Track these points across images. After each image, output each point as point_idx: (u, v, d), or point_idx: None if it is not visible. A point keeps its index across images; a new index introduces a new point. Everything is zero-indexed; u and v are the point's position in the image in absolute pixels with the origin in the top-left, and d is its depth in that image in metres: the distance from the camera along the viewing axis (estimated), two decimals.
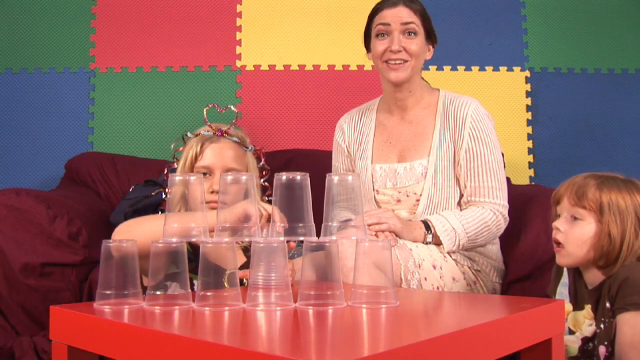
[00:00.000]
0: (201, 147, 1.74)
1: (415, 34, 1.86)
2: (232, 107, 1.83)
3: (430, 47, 1.94)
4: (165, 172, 1.86)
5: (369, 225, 1.71)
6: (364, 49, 1.99)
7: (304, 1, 2.81)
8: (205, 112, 1.79)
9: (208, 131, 1.77)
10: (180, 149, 1.80)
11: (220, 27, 2.80)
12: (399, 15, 1.85)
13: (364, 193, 1.93)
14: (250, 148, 1.83)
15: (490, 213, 1.82)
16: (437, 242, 1.80)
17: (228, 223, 1.32)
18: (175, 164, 1.82)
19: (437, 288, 1.74)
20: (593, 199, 1.45)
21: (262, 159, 1.86)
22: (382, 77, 1.94)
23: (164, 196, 1.80)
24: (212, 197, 1.65)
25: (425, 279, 1.72)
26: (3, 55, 2.76)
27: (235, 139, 1.79)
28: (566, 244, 1.48)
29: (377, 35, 1.89)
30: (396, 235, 1.75)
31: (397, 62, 1.85)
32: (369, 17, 1.94)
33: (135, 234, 1.30)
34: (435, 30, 1.94)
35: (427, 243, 1.79)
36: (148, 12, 2.80)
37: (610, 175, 1.49)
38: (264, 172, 1.85)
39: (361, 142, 2.00)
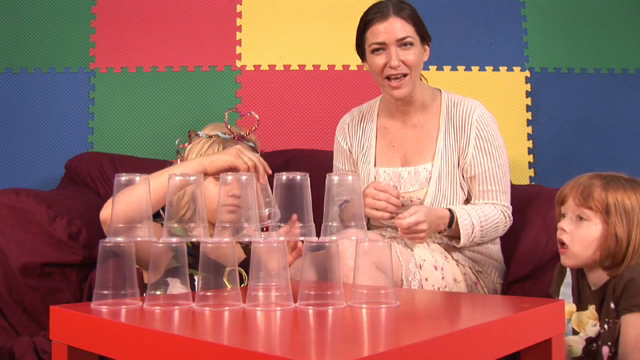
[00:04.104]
0: (223, 150, 1.72)
1: (412, 44, 1.82)
2: (253, 113, 1.82)
3: (426, 47, 1.90)
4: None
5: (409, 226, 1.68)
6: (359, 57, 1.95)
7: (304, 1, 2.81)
8: (226, 115, 1.78)
9: (225, 133, 1.76)
10: (185, 144, 1.79)
11: (220, 27, 2.79)
12: (392, 30, 1.80)
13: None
14: (259, 153, 1.84)
15: (501, 214, 1.84)
16: (451, 236, 1.79)
17: (209, 170, 1.48)
18: (178, 160, 1.81)
19: (438, 289, 1.74)
20: (599, 199, 1.44)
21: None
22: (383, 89, 1.92)
23: None
24: (231, 201, 1.63)
25: (427, 279, 1.72)
26: (3, 55, 2.76)
27: (251, 143, 1.80)
28: (572, 244, 1.47)
29: (372, 51, 1.84)
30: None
31: (398, 77, 1.81)
32: (359, 28, 1.87)
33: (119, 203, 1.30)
34: (429, 29, 1.88)
35: (442, 235, 1.79)
36: (148, 12, 2.80)
37: (615, 175, 1.49)
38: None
39: (363, 144, 1.99)
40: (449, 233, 1.79)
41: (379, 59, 1.83)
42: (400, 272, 1.68)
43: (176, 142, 1.83)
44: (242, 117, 1.86)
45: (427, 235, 1.71)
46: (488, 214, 1.81)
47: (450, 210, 1.79)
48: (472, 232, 1.78)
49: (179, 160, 1.80)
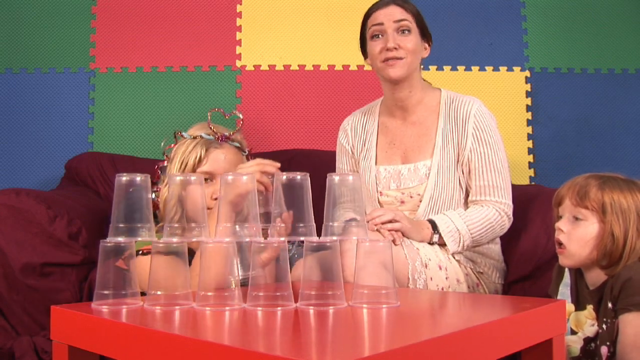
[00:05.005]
0: (205, 151, 1.72)
1: (409, 31, 1.86)
2: (237, 113, 1.83)
3: (427, 45, 1.93)
4: (157, 169, 1.84)
5: (383, 223, 1.71)
6: (362, 54, 1.99)
7: (304, 1, 2.81)
8: (209, 116, 1.78)
9: (209, 134, 1.75)
10: (172, 146, 1.78)
11: (220, 27, 2.79)
12: (390, 13, 1.86)
13: (368, 195, 1.93)
14: (246, 152, 1.83)
15: (495, 212, 1.82)
16: (442, 243, 1.80)
17: (239, 206, 1.35)
18: (165, 161, 1.80)
19: (442, 289, 1.73)
20: (595, 199, 1.45)
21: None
22: (381, 78, 1.94)
23: (153, 196, 1.77)
24: (214, 204, 1.63)
25: (431, 278, 1.71)
26: (3, 55, 2.76)
27: (237, 144, 1.79)
28: (569, 244, 1.48)
29: (372, 37, 1.89)
30: (404, 236, 1.75)
31: (393, 60, 1.84)
32: (362, 21, 1.94)
33: None
34: (430, 29, 1.93)
35: (432, 243, 1.79)
36: (148, 12, 2.80)
37: (612, 176, 1.50)
38: None
39: (365, 144, 2.00)
40: (439, 240, 1.79)
41: (377, 44, 1.88)
42: (407, 270, 1.67)
43: (162, 144, 1.82)
44: (226, 118, 1.84)
45: (404, 228, 1.72)
46: (475, 217, 1.81)
47: (430, 220, 1.80)
48: (460, 238, 1.79)
49: (165, 161, 1.79)
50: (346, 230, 1.26)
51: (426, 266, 1.71)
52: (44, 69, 2.77)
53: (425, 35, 1.92)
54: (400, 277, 1.65)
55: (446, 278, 1.75)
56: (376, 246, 1.24)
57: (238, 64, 2.77)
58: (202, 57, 2.77)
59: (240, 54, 2.78)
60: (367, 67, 2.70)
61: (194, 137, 1.74)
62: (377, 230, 1.70)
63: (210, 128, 1.75)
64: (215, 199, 1.65)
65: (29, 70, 2.77)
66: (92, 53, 2.78)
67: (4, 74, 2.76)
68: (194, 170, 1.71)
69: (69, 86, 2.75)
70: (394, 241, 1.68)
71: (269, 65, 2.77)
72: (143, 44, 2.78)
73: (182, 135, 1.76)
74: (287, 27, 2.79)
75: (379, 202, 1.92)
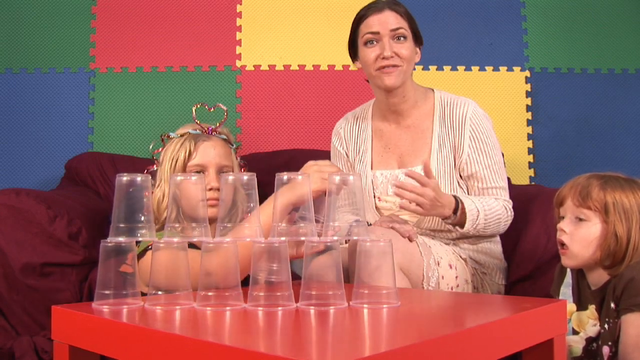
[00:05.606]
0: (194, 145, 1.72)
1: (405, 38, 1.83)
2: (221, 105, 1.82)
3: (418, 49, 1.91)
4: (146, 174, 1.83)
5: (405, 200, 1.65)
6: (350, 58, 1.96)
7: (304, 1, 2.81)
8: (194, 111, 1.78)
9: (196, 129, 1.76)
10: (160, 149, 1.78)
11: (220, 27, 2.79)
12: (386, 21, 1.82)
13: (364, 200, 1.92)
14: (234, 145, 1.83)
15: (503, 208, 1.83)
16: (455, 223, 1.76)
17: (298, 204, 1.35)
18: (155, 165, 1.80)
19: (451, 288, 1.73)
20: (597, 199, 1.45)
21: (237, 157, 1.87)
22: (373, 84, 1.91)
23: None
24: (210, 195, 1.65)
25: (443, 277, 1.71)
26: (3, 55, 2.76)
27: (224, 136, 1.79)
28: (571, 245, 1.48)
29: (365, 44, 1.85)
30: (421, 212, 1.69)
31: (390, 67, 1.81)
32: (353, 24, 1.89)
33: None
34: (429, 29, 1.91)
35: (446, 221, 1.75)
36: (148, 12, 2.80)
37: (613, 175, 1.49)
38: (242, 169, 1.86)
39: (359, 148, 1.98)
40: (453, 220, 1.75)
41: (372, 51, 1.84)
42: (422, 268, 1.66)
43: (150, 147, 1.81)
44: (209, 111, 1.83)
45: (430, 203, 1.65)
46: (492, 206, 1.80)
47: (455, 197, 1.76)
48: (477, 219, 1.75)
49: (155, 165, 1.79)
50: (352, 231, 1.26)
51: (438, 264, 1.70)
52: (44, 69, 2.77)
53: (417, 39, 1.89)
54: (415, 275, 1.64)
55: (456, 277, 1.74)
56: (377, 246, 1.24)
57: (238, 64, 2.77)
58: (202, 57, 2.77)
59: (240, 54, 2.78)
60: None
61: (182, 135, 1.74)
62: (392, 227, 1.68)
63: (197, 123, 1.76)
64: (210, 189, 1.66)
65: (29, 70, 2.76)
66: (92, 53, 2.78)
67: (4, 74, 2.76)
68: (184, 165, 1.71)
69: (69, 86, 2.75)
70: (409, 238, 1.67)
71: (269, 65, 2.77)
72: (143, 44, 2.78)
73: (169, 137, 1.76)
74: (287, 27, 2.79)
75: (376, 207, 1.91)
